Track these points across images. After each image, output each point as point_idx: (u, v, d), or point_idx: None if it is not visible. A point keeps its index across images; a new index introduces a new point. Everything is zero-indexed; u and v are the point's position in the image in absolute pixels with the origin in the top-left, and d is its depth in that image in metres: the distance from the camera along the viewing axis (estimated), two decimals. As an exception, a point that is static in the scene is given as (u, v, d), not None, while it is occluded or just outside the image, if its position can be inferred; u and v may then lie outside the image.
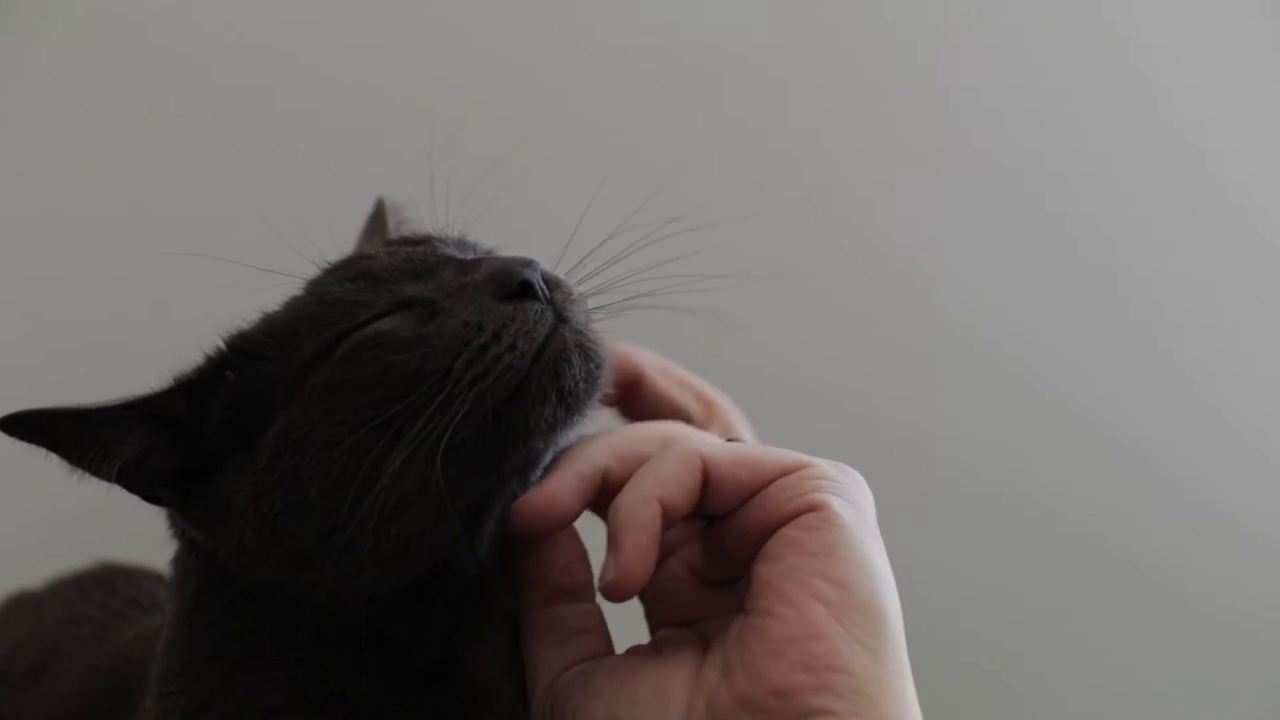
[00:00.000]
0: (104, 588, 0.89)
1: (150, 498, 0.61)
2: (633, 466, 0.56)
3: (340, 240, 0.72)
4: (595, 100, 1.29)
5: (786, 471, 0.55)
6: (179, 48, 1.26)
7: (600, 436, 0.59)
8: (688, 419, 0.64)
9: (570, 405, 0.56)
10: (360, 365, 0.55)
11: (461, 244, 0.63)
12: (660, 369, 0.66)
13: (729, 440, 0.61)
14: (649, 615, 0.62)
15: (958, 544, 1.35)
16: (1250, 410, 1.42)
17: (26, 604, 0.92)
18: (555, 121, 1.23)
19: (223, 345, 0.61)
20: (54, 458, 0.58)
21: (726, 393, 0.68)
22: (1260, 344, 1.42)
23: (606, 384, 0.58)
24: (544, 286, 0.56)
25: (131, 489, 0.59)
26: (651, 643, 0.59)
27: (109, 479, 0.58)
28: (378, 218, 0.74)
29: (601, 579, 0.54)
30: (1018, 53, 1.38)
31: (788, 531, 0.53)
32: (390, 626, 0.57)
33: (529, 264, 0.56)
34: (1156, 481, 1.39)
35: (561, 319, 0.56)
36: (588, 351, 0.56)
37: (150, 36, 1.27)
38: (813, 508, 0.53)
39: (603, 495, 0.57)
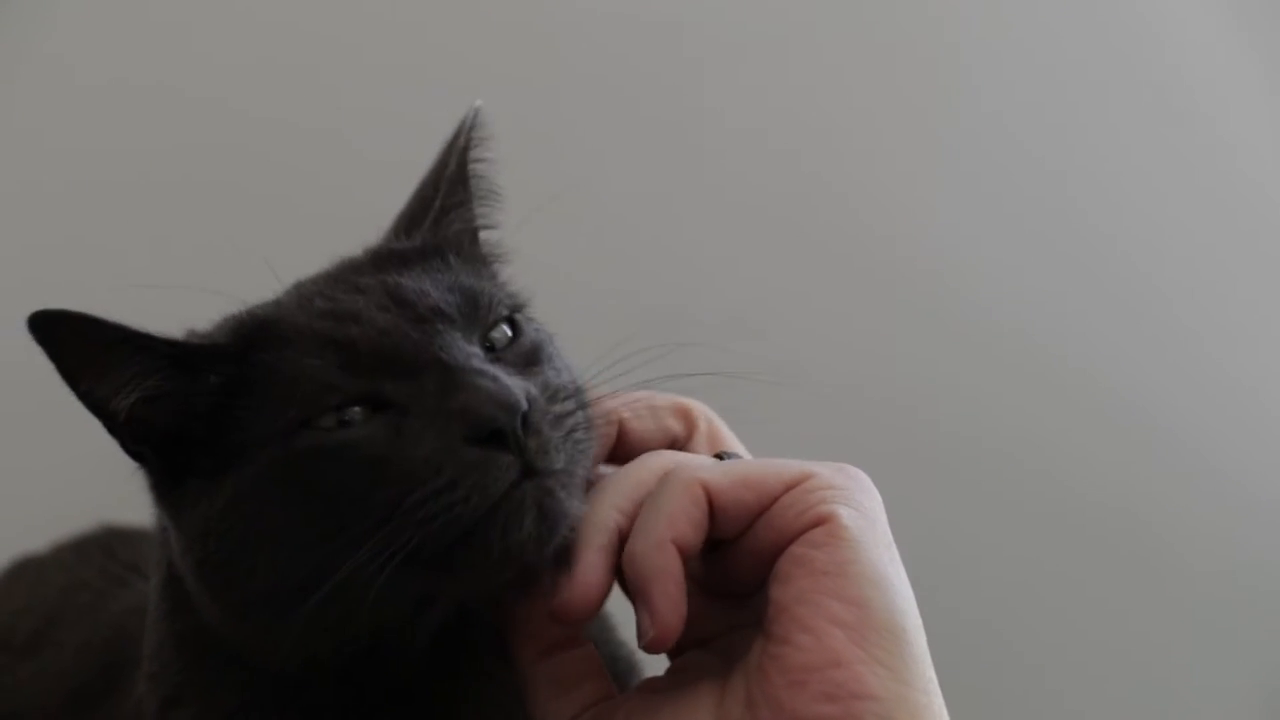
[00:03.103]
0: (104, 552, 0.88)
1: (136, 453, 0.58)
2: (635, 512, 0.55)
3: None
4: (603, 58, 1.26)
5: (790, 486, 0.53)
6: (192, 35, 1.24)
7: (600, 494, 0.56)
8: (672, 440, 0.62)
9: (512, 560, 0.53)
10: (319, 471, 0.53)
11: (473, 311, 0.59)
12: (630, 406, 0.62)
13: (719, 456, 0.60)
14: None
15: (961, 498, 1.33)
16: (1257, 362, 1.40)
17: (29, 569, 0.91)
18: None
19: (227, 337, 0.58)
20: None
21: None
22: (1268, 296, 1.40)
23: (567, 540, 0.54)
24: (519, 434, 0.52)
25: (129, 430, 0.57)
26: (667, 674, 0.58)
27: (115, 409, 0.56)
28: (464, 132, 0.67)
29: (640, 638, 0.53)
30: (1031, 17, 1.35)
31: (796, 550, 0.52)
32: (349, 679, 0.57)
33: (509, 406, 0.52)
34: (1160, 432, 1.37)
35: (531, 472, 0.52)
36: (545, 512, 0.52)
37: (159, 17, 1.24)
38: (820, 521, 0.52)
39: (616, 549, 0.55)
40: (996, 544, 1.34)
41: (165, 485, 0.59)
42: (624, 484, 0.56)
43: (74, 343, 0.54)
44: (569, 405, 0.56)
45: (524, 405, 0.52)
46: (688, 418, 0.62)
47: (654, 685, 0.57)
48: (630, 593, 0.54)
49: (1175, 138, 1.37)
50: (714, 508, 0.53)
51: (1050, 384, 1.35)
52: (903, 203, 1.33)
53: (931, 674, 0.51)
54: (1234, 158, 1.38)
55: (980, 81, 1.35)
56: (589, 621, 0.55)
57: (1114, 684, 1.36)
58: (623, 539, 0.55)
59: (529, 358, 0.59)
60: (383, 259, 0.63)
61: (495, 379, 0.53)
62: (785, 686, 0.49)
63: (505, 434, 0.52)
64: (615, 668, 0.62)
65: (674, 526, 0.53)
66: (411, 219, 0.66)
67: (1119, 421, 1.36)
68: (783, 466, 0.54)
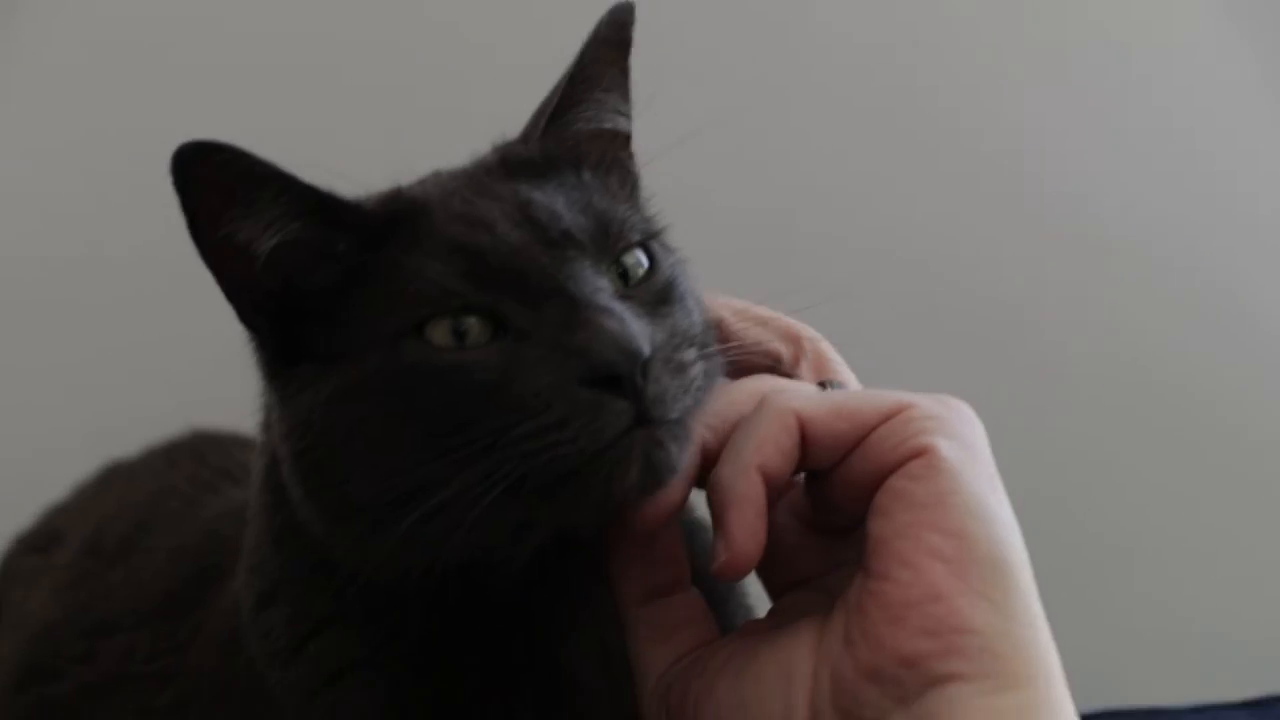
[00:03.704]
0: (194, 458, 0.86)
1: (252, 322, 0.57)
2: (727, 434, 0.54)
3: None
4: None
5: (887, 417, 0.51)
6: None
7: None
8: (776, 360, 0.60)
9: (612, 507, 0.52)
10: (429, 388, 0.52)
11: (603, 237, 0.56)
12: (738, 311, 0.61)
13: (823, 384, 0.59)
14: (763, 576, 0.59)
15: (973, 349, 1.27)
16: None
17: (119, 474, 0.90)
18: None
19: (370, 210, 0.56)
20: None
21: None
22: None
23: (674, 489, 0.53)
24: (637, 381, 0.50)
25: (253, 290, 0.55)
26: (769, 614, 0.57)
27: (253, 252, 0.54)
28: (604, 25, 0.62)
29: (714, 562, 0.52)
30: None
31: (895, 482, 0.50)
32: (441, 596, 0.55)
33: (631, 353, 0.50)
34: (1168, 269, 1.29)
35: (644, 420, 0.51)
36: (652, 464, 0.51)
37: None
38: (918, 453, 0.50)
39: (703, 468, 0.54)
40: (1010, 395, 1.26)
41: (276, 363, 0.57)
42: (718, 404, 0.55)
43: (221, 178, 0.52)
44: (692, 355, 0.54)
45: (646, 352, 0.51)
46: (796, 341, 0.61)
47: (755, 627, 0.56)
48: (711, 515, 0.53)
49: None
50: (808, 438, 0.52)
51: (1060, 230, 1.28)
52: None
53: (1037, 607, 0.49)
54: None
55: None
56: (655, 531, 0.54)
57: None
58: (709, 458, 0.54)
59: (660, 296, 0.57)
60: (514, 165, 0.60)
61: (621, 320, 0.52)
62: (884, 622, 0.48)
63: (623, 380, 0.50)
64: (736, 619, 0.62)
65: (761, 453, 0.52)
66: (546, 116, 0.62)
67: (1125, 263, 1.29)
68: (880, 397, 0.53)
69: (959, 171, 1.25)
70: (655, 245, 0.59)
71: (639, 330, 0.52)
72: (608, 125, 0.63)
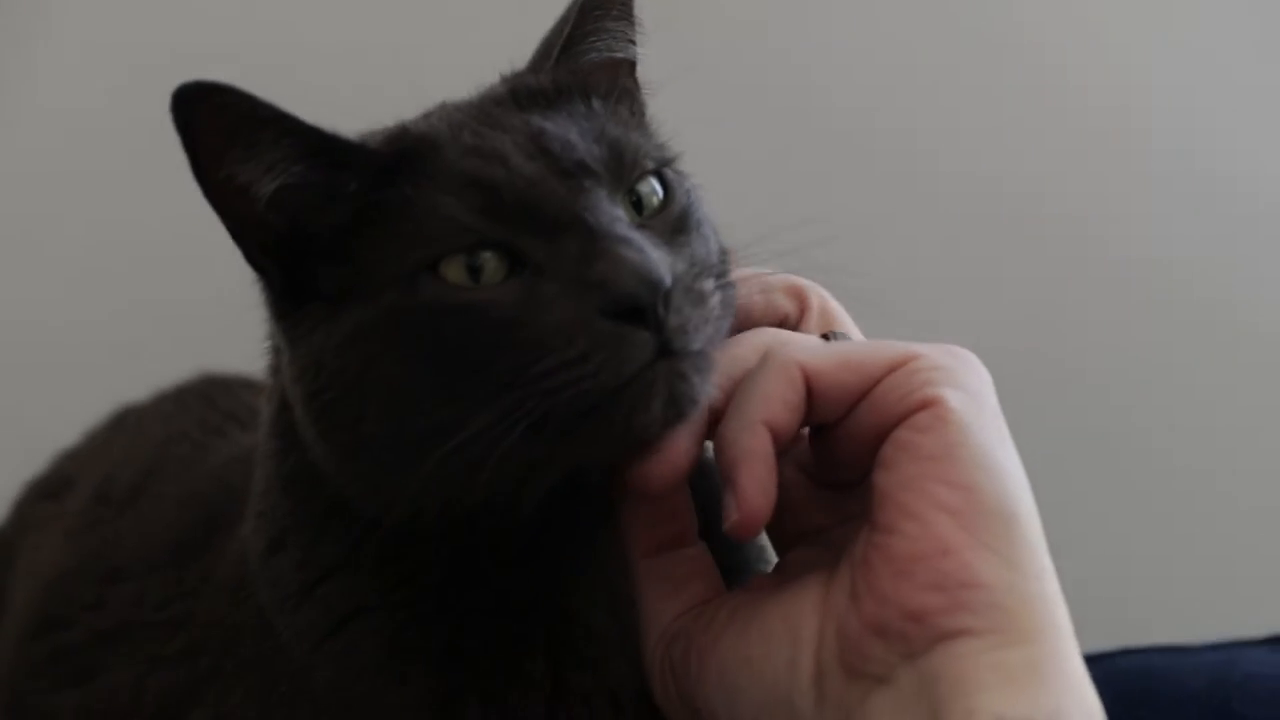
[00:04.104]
0: (203, 401, 0.86)
1: (259, 264, 0.56)
2: (731, 390, 0.53)
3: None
4: None
5: (893, 367, 0.51)
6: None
7: None
8: (783, 319, 0.60)
9: (635, 441, 0.51)
10: (446, 327, 0.51)
11: (617, 166, 0.56)
12: (742, 283, 0.59)
13: (826, 336, 0.58)
14: (770, 532, 0.58)
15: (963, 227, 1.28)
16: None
17: (129, 420, 0.90)
18: None
19: (375, 149, 0.55)
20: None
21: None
22: None
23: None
24: (660, 312, 0.50)
25: (259, 231, 0.55)
26: (774, 569, 0.58)
27: (255, 194, 0.53)
28: None
29: (725, 521, 0.51)
30: None
31: (901, 434, 0.50)
32: (451, 541, 0.56)
33: (652, 282, 0.50)
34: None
35: (667, 351, 0.50)
36: (675, 396, 0.50)
37: None
38: (925, 404, 0.50)
39: (710, 425, 0.54)
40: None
41: (285, 304, 0.57)
42: (722, 360, 0.54)
43: (223, 119, 0.52)
44: (711, 284, 0.53)
45: (667, 282, 0.50)
46: (800, 297, 0.60)
47: (761, 582, 0.56)
48: (720, 473, 0.53)
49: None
50: (813, 390, 0.52)
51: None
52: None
53: (1046, 560, 0.49)
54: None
55: None
56: (665, 492, 0.54)
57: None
58: (715, 415, 0.53)
59: (676, 225, 0.56)
60: (524, 96, 0.59)
61: (640, 250, 0.51)
62: (890, 577, 0.48)
63: (644, 311, 0.50)
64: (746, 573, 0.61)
65: (767, 407, 0.51)
66: (558, 46, 0.61)
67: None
68: (886, 347, 0.52)
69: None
70: (669, 172, 0.58)
71: (659, 260, 0.51)
72: (618, 54, 0.62)
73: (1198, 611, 1.12)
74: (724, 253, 0.58)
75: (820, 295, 0.60)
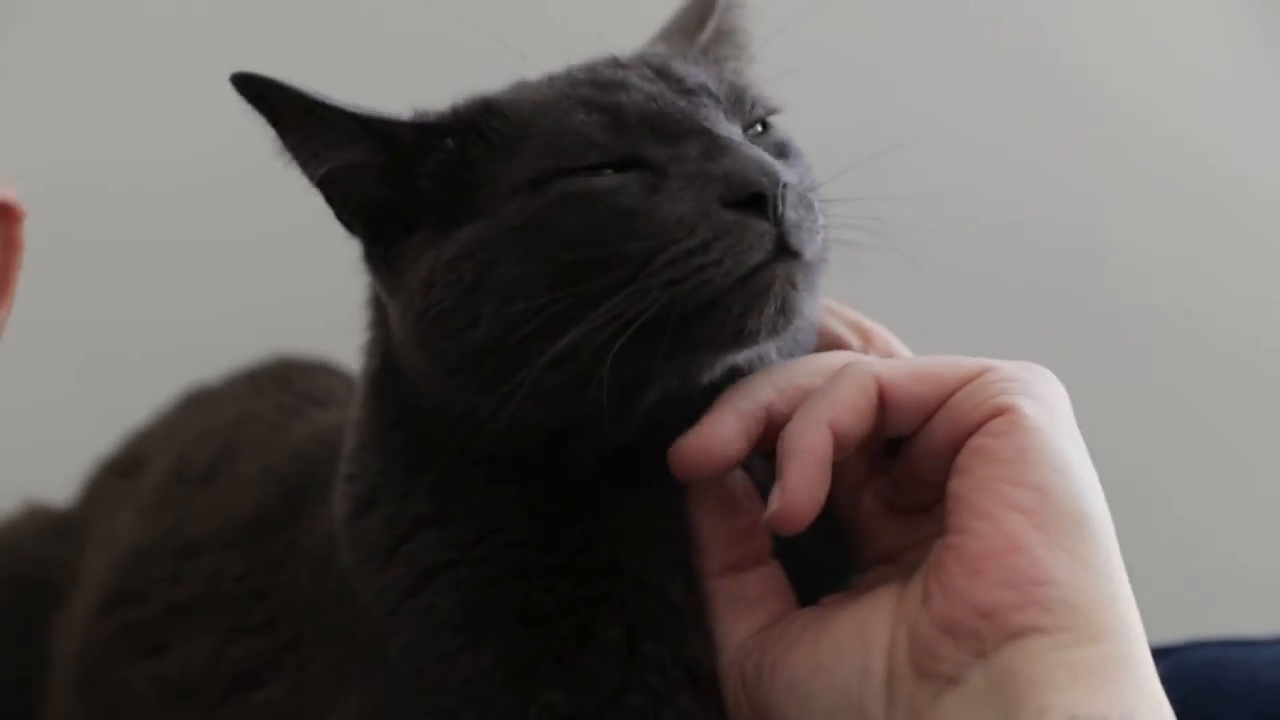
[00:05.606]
0: (279, 384, 0.85)
1: (344, 222, 0.60)
2: (797, 400, 0.54)
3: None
4: None
5: (968, 379, 0.52)
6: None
7: (761, 373, 0.56)
8: (844, 349, 0.61)
9: (744, 341, 0.53)
10: (570, 218, 0.53)
11: (737, 102, 0.58)
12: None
13: None
14: (852, 561, 0.59)
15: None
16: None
17: (202, 400, 0.89)
18: None
19: (460, 109, 0.59)
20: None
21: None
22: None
23: (801, 334, 0.57)
24: (779, 205, 0.51)
25: (329, 199, 0.59)
26: (851, 587, 0.57)
27: (313, 178, 0.58)
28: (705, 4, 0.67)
29: (767, 510, 0.52)
30: None
31: (976, 441, 0.50)
32: (538, 482, 0.57)
33: (771, 174, 0.51)
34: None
35: (784, 249, 0.51)
36: (786, 304, 0.52)
37: None
38: (1000, 411, 0.50)
39: (770, 433, 0.54)
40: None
41: (380, 251, 0.59)
42: (790, 368, 0.56)
43: (267, 104, 0.56)
44: (816, 200, 0.55)
45: (785, 178, 0.52)
46: (867, 334, 0.63)
47: (835, 599, 0.56)
48: (776, 465, 0.53)
49: None
50: (887, 401, 0.53)
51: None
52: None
53: (1118, 562, 0.49)
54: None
55: None
56: (702, 477, 0.55)
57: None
58: (775, 422, 0.54)
59: (779, 151, 0.58)
60: (641, 59, 0.61)
61: (759, 151, 0.53)
62: (962, 575, 0.48)
63: (766, 199, 0.51)
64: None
65: (833, 409, 0.52)
66: (673, 32, 0.66)
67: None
68: (961, 361, 0.53)
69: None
70: (774, 122, 0.60)
71: (776, 162, 0.53)
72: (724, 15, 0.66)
73: (1268, 606, 1.12)
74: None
75: (885, 338, 0.63)
